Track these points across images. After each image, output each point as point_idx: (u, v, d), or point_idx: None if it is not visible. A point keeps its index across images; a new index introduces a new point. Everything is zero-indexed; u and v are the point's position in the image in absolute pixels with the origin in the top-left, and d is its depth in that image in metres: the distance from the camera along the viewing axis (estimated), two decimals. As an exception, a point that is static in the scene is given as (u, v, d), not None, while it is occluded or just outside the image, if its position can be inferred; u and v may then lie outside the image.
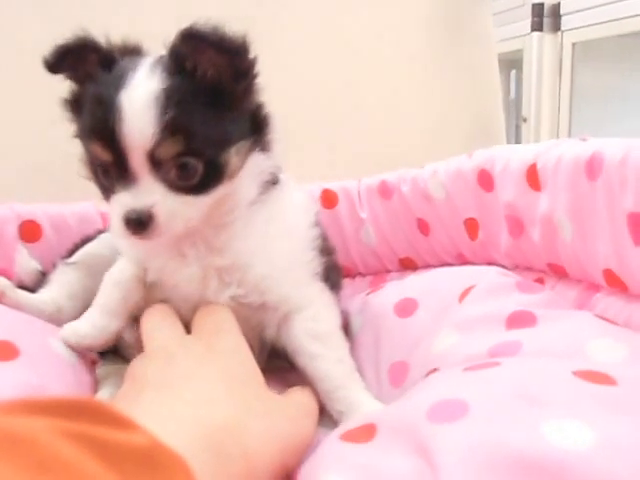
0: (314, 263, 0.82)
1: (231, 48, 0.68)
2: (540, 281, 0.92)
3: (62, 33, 0.70)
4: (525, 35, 2.80)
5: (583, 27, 2.64)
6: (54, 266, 0.97)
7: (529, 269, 0.95)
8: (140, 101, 0.66)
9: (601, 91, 2.85)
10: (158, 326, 0.74)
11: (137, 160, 0.67)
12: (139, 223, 0.69)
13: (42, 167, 1.19)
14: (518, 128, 3.01)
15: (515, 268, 0.97)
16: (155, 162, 0.67)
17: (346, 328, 0.91)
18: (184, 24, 0.67)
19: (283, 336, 0.80)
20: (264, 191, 0.79)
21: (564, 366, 0.60)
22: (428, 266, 1.10)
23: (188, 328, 0.75)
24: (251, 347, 0.74)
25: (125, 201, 0.69)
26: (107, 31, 0.74)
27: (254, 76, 0.73)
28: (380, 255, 1.14)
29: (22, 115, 1.22)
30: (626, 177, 0.73)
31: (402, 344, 0.84)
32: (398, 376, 0.81)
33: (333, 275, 0.89)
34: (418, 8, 1.37)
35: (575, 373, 0.58)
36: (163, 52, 0.71)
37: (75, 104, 0.74)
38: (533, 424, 0.50)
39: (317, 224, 0.85)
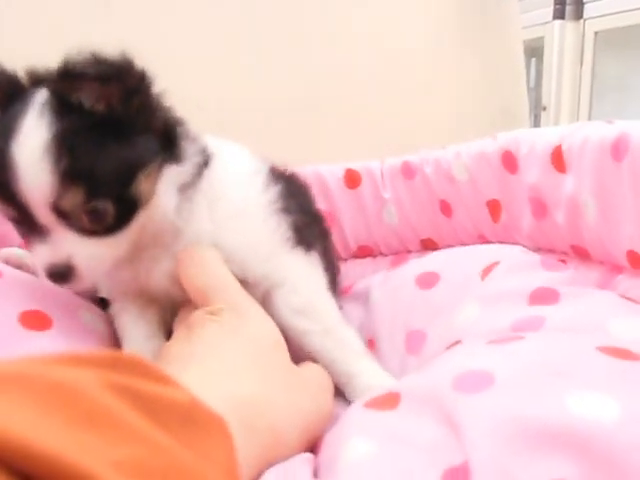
0: (280, 229, 0.79)
1: (111, 74, 0.63)
2: (562, 263, 0.93)
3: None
4: (547, 23, 2.78)
5: (605, 15, 2.62)
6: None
7: (551, 251, 0.96)
8: (32, 153, 0.62)
9: (622, 80, 2.83)
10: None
11: (43, 214, 0.64)
12: (62, 275, 0.67)
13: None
14: (537, 117, 3.00)
15: (537, 250, 0.98)
16: (61, 213, 0.64)
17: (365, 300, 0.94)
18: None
19: (270, 314, 0.76)
20: (196, 177, 0.75)
21: (588, 341, 0.61)
22: (449, 247, 1.11)
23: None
24: None
25: (42, 256, 0.67)
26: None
27: (146, 89, 0.68)
28: (402, 235, 1.15)
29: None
30: (652, 158, 0.74)
31: (421, 314, 0.86)
32: (415, 344, 0.84)
33: (309, 231, 0.85)
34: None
35: (598, 348, 0.59)
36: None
37: None
38: (557, 396, 0.51)
39: (272, 184, 0.81)
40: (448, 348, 0.74)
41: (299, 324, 0.77)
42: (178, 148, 0.72)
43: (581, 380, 0.54)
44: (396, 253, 1.17)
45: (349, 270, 1.16)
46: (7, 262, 0.88)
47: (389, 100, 1.34)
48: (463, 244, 1.09)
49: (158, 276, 0.76)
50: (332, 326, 0.78)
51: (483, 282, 0.84)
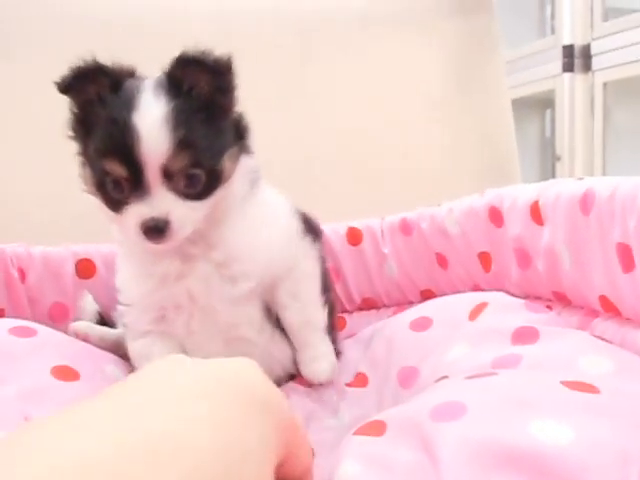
0: (294, 239, 0.95)
1: (219, 68, 0.80)
2: (548, 308, 0.99)
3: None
4: (557, 76, 2.86)
5: (614, 67, 2.69)
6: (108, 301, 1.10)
7: (538, 298, 1.02)
8: (154, 122, 0.76)
9: (634, 129, 2.88)
10: None
11: (152, 173, 0.77)
12: (157, 230, 0.78)
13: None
14: (553, 166, 3.06)
15: (526, 297, 1.04)
16: (168, 174, 0.78)
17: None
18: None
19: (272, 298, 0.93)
20: (249, 190, 0.91)
21: (554, 377, 0.68)
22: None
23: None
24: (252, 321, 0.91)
25: (142, 210, 0.78)
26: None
27: (235, 89, 0.84)
28: (402, 287, 1.22)
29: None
30: (614, 211, 0.81)
31: (414, 353, 0.95)
32: (407, 379, 0.92)
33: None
34: (434, 57, 1.47)
35: (563, 382, 0.66)
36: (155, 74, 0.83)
37: (81, 125, 0.83)
38: (522, 423, 0.58)
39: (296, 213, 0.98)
40: (435, 382, 0.81)
41: (287, 304, 0.94)
42: (248, 140, 0.89)
43: (542, 410, 0.60)
44: (398, 304, 1.24)
45: (355, 322, 1.23)
46: (76, 334, 1.04)
47: (387, 160, 1.43)
48: (460, 293, 1.16)
49: (190, 274, 0.87)
50: (313, 313, 0.97)
51: (472, 323, 0.91)
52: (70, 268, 1.14)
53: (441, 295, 1.20)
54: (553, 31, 3.17)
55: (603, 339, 0.82)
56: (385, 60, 1.46)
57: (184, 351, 0.90)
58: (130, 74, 0.83)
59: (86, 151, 0.83)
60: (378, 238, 1.23)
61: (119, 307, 0.94)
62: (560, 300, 0.97)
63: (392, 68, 1.45)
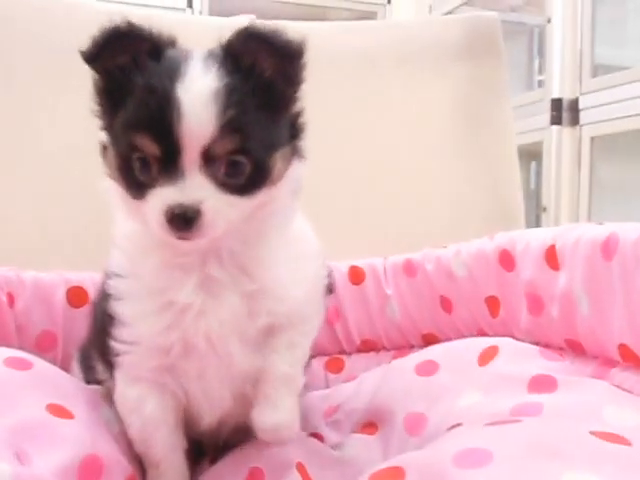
0: (324, 281, 0.85)
1: (290, 51, 0.68)
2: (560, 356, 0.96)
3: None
4: (545, 128, 2.89)
5: (601, 122, 2.72)
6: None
7: (548, 346, 0.99)
8: (201, 96, 0.65)
9: (620, 184, 2.91)
10: None
11: (190, 155, 0.65)
12: (185, 219, 0.65)
13: (88, 235, 1.26)
14: (538, 217, 3.08)
15: (535, 344, 1.01)
16: (208, 158, 0.66)
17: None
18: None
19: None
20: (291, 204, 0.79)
21: (582, 426, 0.65)
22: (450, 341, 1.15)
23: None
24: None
25: (170, 195, 0.66)
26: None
27: (302, 82, 0.73)
28: (404, 330, 1.19)
29: (69, 187, 1.30)
30: (639, 256, 0.79)
31: (420, 398, 0.92)
32: (415, 426, 0.88)
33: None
34: (444, 100, 1.46)
35: (592, 433, 0.62)
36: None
37: (109, 96, 0.71)
38: (555, 474, 0.55)
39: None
40: (449, 429, 0.77)
41: (277, 349, 0.79)
42: (303, 144, 0.76)
43: (575, 461, 0.57)
44: (398, 348, 1.21)
45: (354, 364, 1.20)
46: None
47: (391, 201, 1.41)
48: (463, 338, 1.13)
49: (212, 303, 0.75)
50: (293, 364, 0.81)
51: (483, 368, 0.88)
52: (61, 295, 1.09)
53: (444, 340, 1.17)
54: (540, 84, 3.21)
55: (623, 389, 0.80)
56: (394, 102, 1.45)
57: (179, 406, 0.81)
58: (172, 43, 0.72)
59: (112, 125, 0.71)
60: (381, 278, 1.20)
61: (113, 343, 0.78)
62: (573, 348, 0.94)
63: (401, 109, 1.44)
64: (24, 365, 0.85)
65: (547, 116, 2.87)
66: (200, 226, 0.66)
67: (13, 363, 0.85)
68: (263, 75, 0.69)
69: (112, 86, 0.71)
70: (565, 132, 2.86)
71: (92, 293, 1.11)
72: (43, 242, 1.26)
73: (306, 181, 1.29)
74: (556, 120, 2.86)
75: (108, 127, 0.72)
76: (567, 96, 2.84)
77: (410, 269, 1.17)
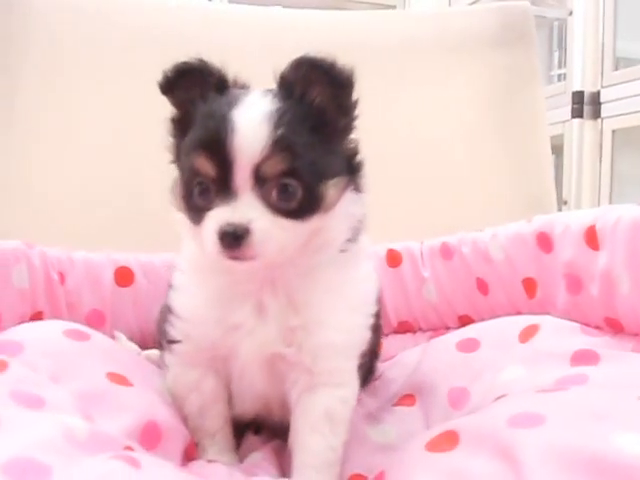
0: (366, 341, 0.84)
1: (340, 80, 0.72)
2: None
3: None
4: (566, 121, 2.89)
5: (623, 114, 2.73)
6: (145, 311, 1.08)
7: (586, 325, 1.02)
8: (252, 117, 0.69)
9: (640, 176, 2.92)
10: None
11: (242, 174, 0.68)
12: (235, 237, 0.68)
13: (133, 218, 1.30)
14: (559, 211, 3.08)
15: (572, 324, 1.04)
16: (259, 178, 0.68)
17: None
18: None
19: (302, 400, 0.80)
20: (350, 241, 0.79)
21: (629, 392, 0.67)
22: (486, 322, 1.18)
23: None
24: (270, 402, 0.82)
25: (222, 215, 0.69)
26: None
27: (355, 116, 0.76)
28: (440, 312, 1.22)
29: (116, 172, 1.34)
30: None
31: (462, 374, 0.94)
32: (459, 399, 0.92)
33: (371, 359, 0.94)
34: (476, 90, 1.49)
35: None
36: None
37: (180, 125, 0.77)
38: (603, 434, 0.57)
39: (378, 301, 0.87)
40: (495, 400, 0.80)
41: (322, 428, 0.78)
42: (361, 178, 0.79)
43: (625, 423, 0.60)
44: (435, 329, 1.24)
45: (390, 344, 1.22)
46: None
47: (426, 187, 1.44)
48: (500, 318, 1.16)
49: (256, 354, 0.79)
50: (337, 447, 0.80)
51: (524, 345, 0.90)
52: (109, 275, 1.13)
53: (480, 321, 1.19)
54: (559, 78, 3.22)
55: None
56: (427, 88, 1.48)
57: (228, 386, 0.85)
58: (239, 84, 0.78)
59: (179, 155, 0.76)
60: (418, 261, 1.23)
61: (171, 328, 0.83)
62: (612, 327, 0.96)
63: (434, 95, 1.47)
64: (82, 336, 0.89)
65: (568, 109, 2.88)
66: (249, 244, 0.68)
67: (72, 334, 0.88)
68: (314, 102, 0.73)
69: (181, 117, 0.77)
70: (586, 125, 2.86)
71: (138, 273, 1.15)
72: (91, 224, 1.29)
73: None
74: (577, 113, 2.87)
75: (176, 155, 0.77)
76: (588, 89, 2.84)
77: (447, 252, 1.20)
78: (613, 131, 2.81)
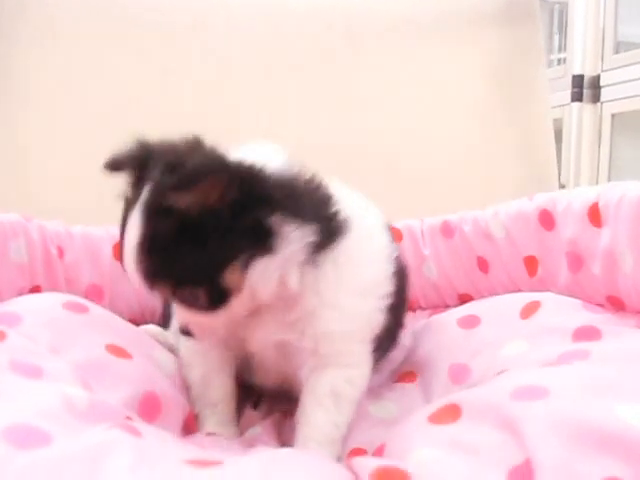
0: (378, 324, 0.83)
1: (214, 181, 0.67)
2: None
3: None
4: (565, 105, 2.88)
5: (622, 99, 2.71)
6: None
7: (587, 303, 1.02)
8: (130, 252, 0.69)
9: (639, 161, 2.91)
10: None
11: (154, 293, 0.73)
12: (187, 332, 0.79)
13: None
14: (556, 194, 3.07)
15: (574, 302, 1.04)
16: (160, 295, 0.74)
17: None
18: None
19: (311, 377, 0.81)
20: (332, 239, 0.77)
21: (632, 366, 0.67)
22: (487, 301, 1.18)
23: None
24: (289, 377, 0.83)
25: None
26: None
27: (244, 189, 0.69)
28: (440, 290, 1.21)
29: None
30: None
31: (463, 350, 0.94)
32: (459, 375, 0.91)
33: (391, 335, 0.93)
34: (479, 67, 1.48)
35: (643, 372, 0.65)
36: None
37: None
38: (608, 405, 0.57)
39: (395, 274, 0.85)
40: (497, 374, 0.79)
41: (326, 403, 0.80)
42: (271, 241, 0.71)
43: (629, 395, 0.59)
44: (434, 307, 1.23)
45: (390, 322, 1.22)
46: None
47: (426, 165, 1.44)
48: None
49: (261, 342, 0.82)
50: (341, 424, 0.81)
51: (526, 321, 0.90)
52: (108, 250, 1.12)
53: (480, 299, 1.19)
54: (560, 62, 3.20)
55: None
56: (430, 68, 1.48)
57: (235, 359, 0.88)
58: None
59: None
60: (418, 239, 1.22)
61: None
62: (614, 304, 0.96)
63: (438, 73, 1.47)
64: (81, 309, 0.89)
65: (567, 93, 2.86)
66: (197, 335, 0.79)
67: (71, 306, 0.88)
68: (189, 212, 0.68)
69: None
70: (586, 109, 2.85)
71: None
72: (89, 197, 1.28)
73: (344, 144, 1.32)
74: (577, 97, 2.85)
75: None
76: (588, 73, 2.83)
77: (447, 230, 1.20)
78: (613, 115, 2.79)
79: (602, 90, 2.81)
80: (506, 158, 1.45)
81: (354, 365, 0.82)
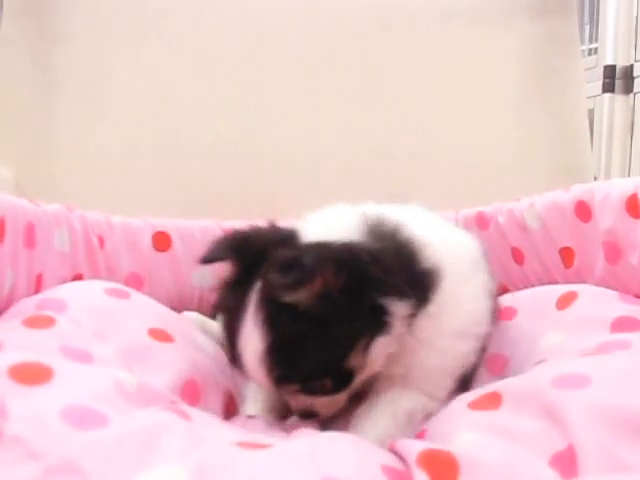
0: (470, 363, 0.86)
1: (332, 272, 0.69)
2: (638, 300, 0.98)
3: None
4: (597, 96, 2.85)
5: (656, 90, 2.68)
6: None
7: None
8: (253, 358, 0.71)
9: (672, 155, 2.87)
10: None
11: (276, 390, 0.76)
12: (309, 414, 0.78)
13: (172, 185, 1.32)
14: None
15: (611, 293, 1.04)
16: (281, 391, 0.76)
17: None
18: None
19: (389, 392, 0.82)
20: (427, 298, 0.78)
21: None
22: (522, 292, 1.18)
23: None
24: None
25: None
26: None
27: (363, 277, 0.71)
28: (475, 281, 1.21)
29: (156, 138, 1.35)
30: None
31: (501, 341, 0.94)
32: (496, 365, 0.92)
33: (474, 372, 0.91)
34: (515, 56, 1.48)
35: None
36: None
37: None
38: None
39: (488, 314, 0.87)
40: (535, 365, 0.80)
41: (397, 415, 0.80)
42: (386, 319, 0.74)
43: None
44: (470, 299, 1.23)
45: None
46: None
47: (460, 155, 1.44)
48: (534, 288, 1.16)
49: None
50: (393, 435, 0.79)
51: (563, 312, 0.90)
52: (147, 240, 1.15)
53: (514, 291, 1.19)
54: (590, 53, 3.16)
55: None
56: (465, 56, 1.47)
57: None
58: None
59: None
60: (453, 230, 1.22)
61: None
62: (651, 295, 0.96)
63: (472, 64, 1.46)
64: (123, 295, 0.91)
65: (599, 84, 2.83)
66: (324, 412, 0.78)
67: (113, 292, 0.90)
68: (310, 307, 0.70)
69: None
70: (618, 100, 2.81)
71: (175, 238, 1.16)
72: (130, 190, 1.31)
73: (377, 134, 1.32)
74: (608, 88, 2.82)
75: None
76: (621, 63, 2.79)
77: (482, 221, 1.20)
78: (646, 106, 2.76)
79: (635, 81, 2.78)
80: (541, 149, 1.44)
81: (434, 397, 0.82)
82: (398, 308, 0.74)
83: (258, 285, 0.71)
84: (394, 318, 0.74)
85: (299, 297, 0.68)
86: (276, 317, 0.70)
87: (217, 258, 0.78)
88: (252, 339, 0.70)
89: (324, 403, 0.76)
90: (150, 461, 0.49)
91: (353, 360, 0.73)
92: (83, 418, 0.54)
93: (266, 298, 0.71)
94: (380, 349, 0.74)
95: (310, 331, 0.69)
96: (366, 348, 0.73)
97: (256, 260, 0.72)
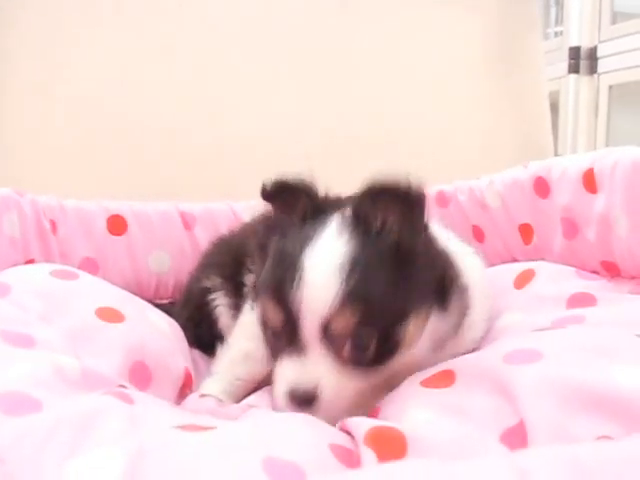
0: None
1: (416, 204, 0.65)
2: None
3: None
4: (562, 77, 2.86)
5: (620, 70, 2.69)
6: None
7: (582, 269, 1.01)
8: (323, 268, 0.63)
9: (637, 133, 2.89)
10: None
11: (309, 329, 0.63)
12: (303, 400, 0.65)
13: (126, 167, 1.29)
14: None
15: (569, 268, 1.03)
16: (329, 332, 0.63)
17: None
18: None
19: None
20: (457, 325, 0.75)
21: (627, 330, 0.66)
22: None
23: None
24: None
25: (291, 374, 0.65)
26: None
27: (430, 236, 0.70)
28: (436, 260, 1.21)
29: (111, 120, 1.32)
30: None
31: None
32: None
33: None
34: (474, 35, 1.47)
35: (637, 335, 0.64)
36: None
37: (263, 253, 0.73)
38: (602, 367, 0.57)
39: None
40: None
41: None
42: (448, 298, 0.71)
43: (623, 357, 0.59)
44: (430, 278, 1.23)
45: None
46: None
47: (421, 134, 1.43)
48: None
49: None
50: None
51: (520, 291, 0.90)
52: (102, 224, 1.12)
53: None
54: (556, 35, 3.17)
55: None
56: (427, 37, 1.47)
57: None
58: (336, 205, 0.71)
59: (257, 282, 0.73)
60: (413, 209, 1.22)
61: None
62: (609, 270, 0.96)
63: (433, 44, 1.46)
64: (70, 276, 0.88)
65: (564, 65, 2.84)
66: (317, 407, 0.64)
67: (60, 274, 0.88)
68: (392, 233, 0.66)
69: (262, 241, 0.73)
70: (583, 81, 2.83)
71: (131, 221, 1.14)
72: (84, 172, 1.28)
73: (338, 111, 1.30)
74: (574, 68, 2.83)
75: (255, 282, 0.75)
76: (585, 44, 2.80)
77: (442, 200, 1.19)
78: (610, 87, 2.77)
79: (599, 62, 2.79)
80: (502, 128, 1.44)
81: None
82: (456, 291, 0.72)
83: (336, 218, 0.68)
84: (453, 298, 0.71)
85: (390, 218, 0.65)
86: (361, 237, 0.65)
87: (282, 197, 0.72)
88: (328, 254, 0.64)
89: (337, 384, 0.65)
90: (84, 445, 0.48)
91: (410, 327, 0.66)
92: (16, 405, 0.52)
93: (353, 220, 0.67)
94: (432, 327, 0.70)
95: (389, 261, 0.65)
96: (424, 321, 0.69)
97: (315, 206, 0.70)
